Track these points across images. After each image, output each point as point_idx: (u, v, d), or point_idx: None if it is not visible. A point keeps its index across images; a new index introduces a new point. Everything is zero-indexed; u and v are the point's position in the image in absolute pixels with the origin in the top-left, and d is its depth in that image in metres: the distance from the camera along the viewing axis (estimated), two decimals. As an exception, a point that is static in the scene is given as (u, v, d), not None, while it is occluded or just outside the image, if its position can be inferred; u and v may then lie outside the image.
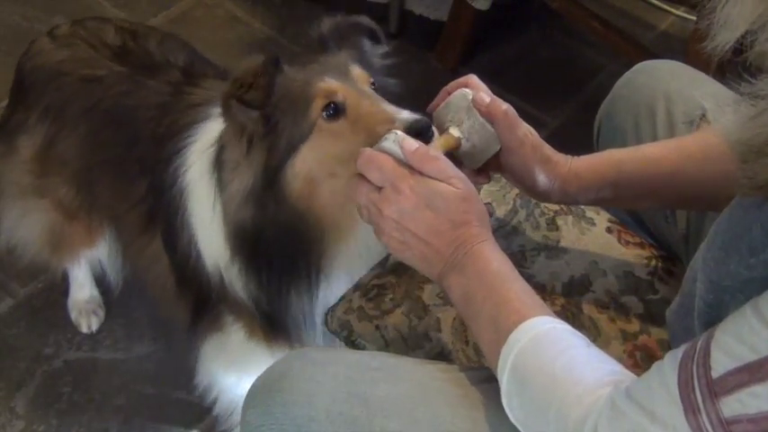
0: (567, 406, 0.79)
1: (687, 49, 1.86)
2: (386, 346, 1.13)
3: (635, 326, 1.12)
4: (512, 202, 1.24)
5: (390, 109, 1.09)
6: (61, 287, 1.79)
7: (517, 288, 0.90)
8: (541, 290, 1.14)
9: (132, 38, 1.45)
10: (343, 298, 1.19)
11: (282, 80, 1.14)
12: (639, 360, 1.09)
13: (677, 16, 2.46)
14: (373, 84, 1.17)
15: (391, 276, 1.18)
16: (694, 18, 2.16)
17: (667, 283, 1.16)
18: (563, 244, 1.19)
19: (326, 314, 1.20)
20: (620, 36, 2.09)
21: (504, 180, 1.27)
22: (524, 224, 1.21)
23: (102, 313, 1.77)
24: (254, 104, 1.11)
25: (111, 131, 1.40)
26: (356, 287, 1.19)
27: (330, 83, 1.12)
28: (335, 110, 1.11)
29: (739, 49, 0.73)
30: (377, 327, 1.14)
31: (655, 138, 1.19)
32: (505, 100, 1.04)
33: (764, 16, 0.69)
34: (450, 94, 1.08)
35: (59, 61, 1.44)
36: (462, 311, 0.94)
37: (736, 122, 0.72)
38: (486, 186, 1.27)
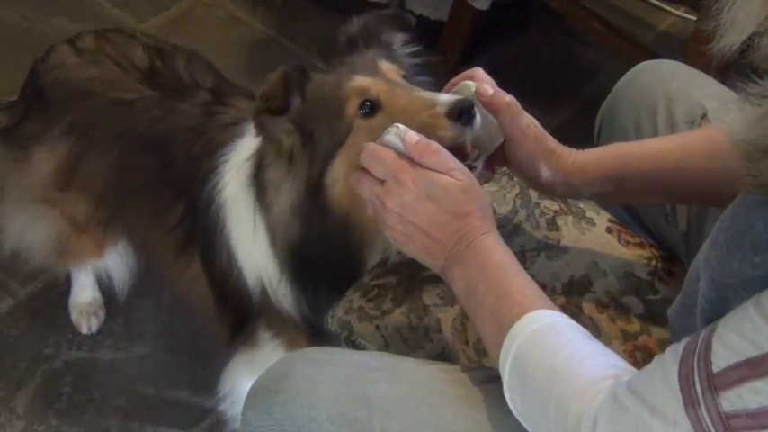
0: (567, 399, 0.79)
1: (687, 49, 1.86)
2: (386, 346, 1.13)
3: (635, 326, 1.12)
4: (512, 203, 1.24)
5: (427, 95, 1.08)
6: (62, 287, 1.79)
7: (519, 281, 0.90)
8: (541, 290, 1.14)
9: (160, 57, 1.45)
10: (343, 298, 1.19)
11: (312, 87, 1.12)
12: (640, 360, 1.09)
13: (677, 16, 2.46)
14: (404, 76, 1.15)
15: (391, 276, 1.18)
16: (694, 18, 2.16)
17: (667, 283, 1.16)
18: (563, 244, 1.19)
19: (327, 314, 1.20)
20: (620, 36, 2.09)
21: (504, 180, 1.27)
22: (524, 224, 1.21)
23: (102, 314, 1.77)
24: (283, 110, 1.11)
25: (144, 157, 1.40)
26: (356, 287, 1.19)
27: (361, 80, 1.10)
28: (371, 107, 1.09)
29: (744, 49, 0.73)
30: (377, 327, 1.14)
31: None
32: None
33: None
34: (454, 86, 1.08)
35: (87, 80, 1.43)
36: (465, 304, 0.94)
37: (742, 122, 0.72)
38: (486, 186, 1.27)
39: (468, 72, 1.09)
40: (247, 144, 1.26)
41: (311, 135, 1.12)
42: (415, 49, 1.25)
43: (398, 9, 2.33)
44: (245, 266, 1.29)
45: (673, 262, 1.19)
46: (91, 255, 1.59)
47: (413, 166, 0.94)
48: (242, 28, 2.37)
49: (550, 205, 1.23)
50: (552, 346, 0.83)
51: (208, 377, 1.68)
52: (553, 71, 2.32)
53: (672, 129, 1.18)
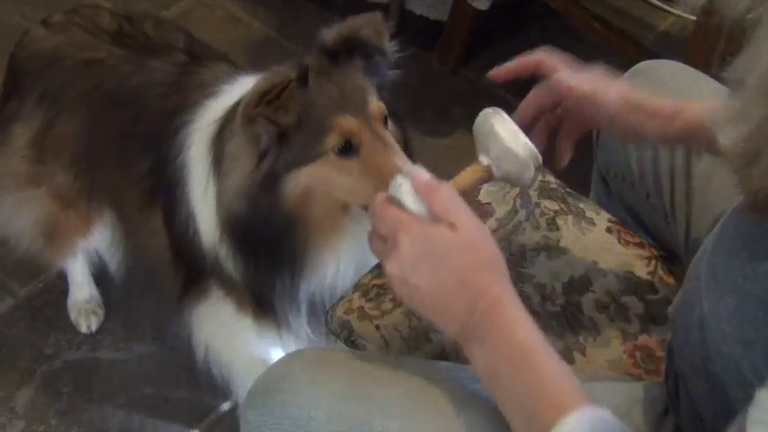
0: None
1: (687, 49, 1.86)
2: (386, 346, 1.13)
3: (635, 326, 1.12)
4: (512, 203, 1.24)
5: (401, 161, 1.09)
6: (61, 287, 1.79)
7: (550, 367, 0.79)
8: (541, 290, 1.14)
9: (128, 22, 1.46)
10: (342, 298, 1.20)
11: (304, 96, 1.13)
12: (639, 360, 1.09)
13: (677, 16, 2.45)
14: (385, 117, 1.17)
15: (391, 276, 1.18)
16: (694, 18, 2.16)
17: (667, 284, 1.16)
18: (563, 244, 1.19)
19: (326, 314, 1.20)
20: (620, 36, 2.09)
21: (504, 180, 1.27)
22: (524, 224, 1.21)
23: (101, 313, 1.77)
24: (282, 125, 1.12)
25: (113, 112, 1.41)
26: (356, 287, 1.19)
27: (349, 122, 1.12)
28: (349, 149, 1.12)
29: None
30: (377, 327, 1.14)
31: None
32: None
33: None
34: (512, 72, 1.03)
35: (55, 46, 1.44)
36: (486, 386, 0.84)
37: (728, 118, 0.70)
38: (486, 186, 1.27)
39: (535, 58, 1.03)
40: (219, 105, 1.28)
41: (286, 138, 1.13)
42: (396, 43, 1.24)
43: (397, 10, 2.33)
44: (201, 225, 1.30)
45: (672, 262, 1.19)
46: (79, 233, 1.58)
47: (411, 223, 0.84)
48: (242, 28, 2.37)
49: (550, 205, 1.23)
50: None
51: (208, 376, 1.69)
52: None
53: (672, 129, 1.18)
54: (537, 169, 0.92)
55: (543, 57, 1.02)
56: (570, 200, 1.25)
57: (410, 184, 0.85)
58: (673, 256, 1.20)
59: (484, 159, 0.93)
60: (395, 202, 0.86)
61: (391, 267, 0.84)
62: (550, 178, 1.28)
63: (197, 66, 1.39)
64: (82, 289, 1.76)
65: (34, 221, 1.55)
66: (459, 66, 2.29)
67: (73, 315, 1.76)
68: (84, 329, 1.75)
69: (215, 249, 1.29)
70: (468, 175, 0.93)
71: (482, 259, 0.83)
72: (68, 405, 1.64)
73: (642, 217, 1.26)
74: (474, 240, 0.83)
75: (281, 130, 1.13)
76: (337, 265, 1.24)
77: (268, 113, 1.10)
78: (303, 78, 1.13)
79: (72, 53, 1.43)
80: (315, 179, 1.14)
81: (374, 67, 1.21)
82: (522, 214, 1.22)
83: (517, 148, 0.91)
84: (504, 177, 0.94)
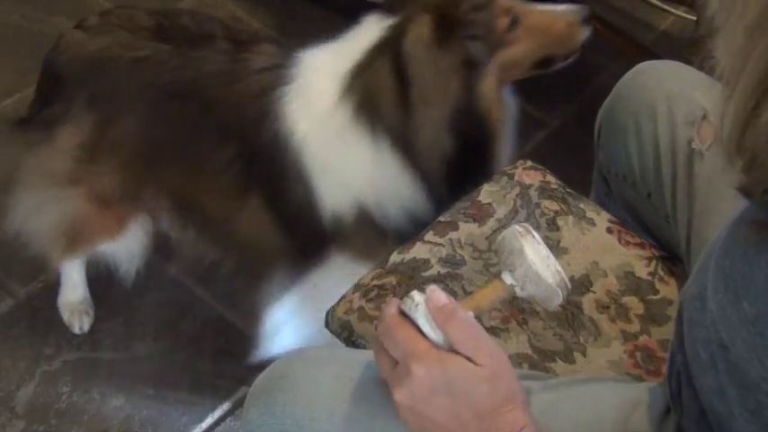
0: None
1: (687, 49, 1.86)
2: (386, 346, 1.12)
3: (635, 326, 1.12)
4: (512, 203, 1.24)
5: (550, 8, 1.36)
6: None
7: None
8: (542, 290, 1.14)
9: (165, 18, 1.48)
10: (343, 298, 1.19)
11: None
12: (640, 360, 1.09)
13: (677, 16, 2.45)
14: None
15: (391, 276, 1.18)
16: (694, 18, 2.16)
17: (668, 283, 1.16)
18: (563, 244, 1.19)
19: (326, 314, 1.20)
20: (620, 36, 2.09)
21: (504, 180, 1.27)
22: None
23: (92, 313, 1.77)
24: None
25: (173, 106, 1.42)
26: (356, 287, 1.19)
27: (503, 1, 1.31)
28: (513, 22, 1.31)
29: None
30: (377, 327, 1.14)
31: (656, 138, 1.19)
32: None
33: None
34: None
35: (99, 49, 1.45)
36: None
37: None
38: (486, 186, 1.27)
39: None
40: (305, 85, 1.37)
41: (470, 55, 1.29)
42: None
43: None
44: (326, 198, 1.38)
45: (672, 262, 1.19)
46: (108, 234, 1.59)
47: (427, 351, 0.78)
48: (242, 28, 2.37)
49: (550, 205, 1.23)
50: None
51: (208, 377, 1.69)
52: (553, 71, 2.31)
53: (672, 129, 1.18)
54: (566, 297, 0.87)
55: None
56: (570, 200, 1.25)
57: (425, 307, 0.79)
58: (673, 257, 1.20)
59: (508, 278, 0.86)
60: (407, 321, 0.80)
61: (401, 396, 0.79)
62: (551, 178, 1.28)
63: (245, 52, 1.42)
64: (77, 290, 1.76)
65: (59, 220, 1.56)
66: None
67: (66, 316, 1.75)
68: (77, 330, 1.74)
69: (339, 216, 1.38)
70: (488, 292, 0.87)
71: (504, 394, 0.79)
72: (68, 405, 1.64)
73: (643, 217, 1.26)
74: (494, 375, 0.78)
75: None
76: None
77: (471, 17, 1.29)
78: None
79: (118, 53, 1.43)
80: (497, 71, 1.31)
81: None
82: (522, 214, 1.22)
83: (546, 274, 0.85)
84: (527, 298, 0.88)
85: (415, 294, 0.81)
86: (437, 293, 0.80)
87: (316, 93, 1.36)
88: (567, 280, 0.86)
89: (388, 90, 1.32)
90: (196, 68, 1.40)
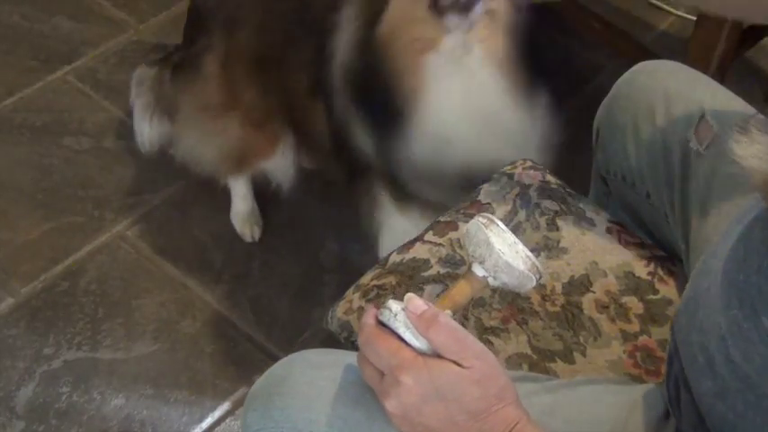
0: None
1: (687, 49, 1.86)
2: (386, 346, 1.12)
3: (635, 326, 1.12)
4: (512, 203, 1.24)
5: None
6: (61, 287, 1.79)
7: None
8: (541, 290, 1.14)
9: None
10: (343, 298, 1.19)
11: None
12: (639, 360, 1.09)
13: (677, 16, 2.45)
14: None
15: (391, 276, 1.18)
16: (694, 18, 2.16)
17: (667, 283, 1.16)
18: (563, 244, 1.19)
19: (327, 314, 1.20)
20: (620, 36, 2.09)
21: (504, 180, 1.27)
22: (524, 224, 1.21)
23: (261, 224, 1.89)
24: None
25: (280, 3, 1.49)
26: (356, 287, 1.19)
27: None
28: None
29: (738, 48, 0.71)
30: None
31: (654, 138, 1.19)
32: None
33: None
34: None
35: None
36: None
37: (759, 150, 0.68)
38: (485, 186, 1.27)
39: None
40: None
41: None
42: None
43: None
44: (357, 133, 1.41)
45: (672, 262, 1.19)
46: (264, 155, 1.68)
47: (415, 360, 0.78)
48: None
49: (550, 205, 1.23)
50: None
51: (208, 377, 1.69)
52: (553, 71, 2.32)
53: (671, 129, 1.18)
54: (539, 280, 0.86)
55: None
56: (570, 200, 1.25)
57: (405, 315, 0.79)
58: (673, 257, 1.20)
59: (479, 270, 0.85)
60: (388, 331, 0.80)
61: (392, 407, 0.79)
62: (550, 178, 1.28)
63: None
64: (246, 201, 1.87)
65: (220, 148, 1.68)
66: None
67: (238, 226, 1.88)
68: (248, 239, 1.87)
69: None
70: (463, 288, 0.86)
71: (495, 393, 0.79)
72: (68, 405, 1.64)
73: (642, 217, 1.26)
74: (483, 376, 0.79)
75: None
76: (438, 111, 1.31)
77: None
78: None
79: None
80: (394, 19, 1.27)
81: None
82: (522, 214, 1.22)
83: (517, 262, 0.84)
84: (502, 287, 0.87)
85: (392, 304, 0.80)
86: (415, 301, 0.80)
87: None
88: (538, 264, 0.85)
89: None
90: None
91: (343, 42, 1.33)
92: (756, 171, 0.68)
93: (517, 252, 0.84)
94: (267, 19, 1.52)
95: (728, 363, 0.74)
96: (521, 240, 0.85)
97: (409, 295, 0.81)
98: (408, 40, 1.28)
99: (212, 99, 1.63)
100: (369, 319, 0.81)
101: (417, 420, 0.79)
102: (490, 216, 0.86)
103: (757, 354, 0.70)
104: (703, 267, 0.86)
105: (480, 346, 0.80)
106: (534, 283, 0.86)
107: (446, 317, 0.80)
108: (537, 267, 0.85)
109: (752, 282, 0.70)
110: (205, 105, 1.65)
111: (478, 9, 1.20)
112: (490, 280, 0.85)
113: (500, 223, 0.86)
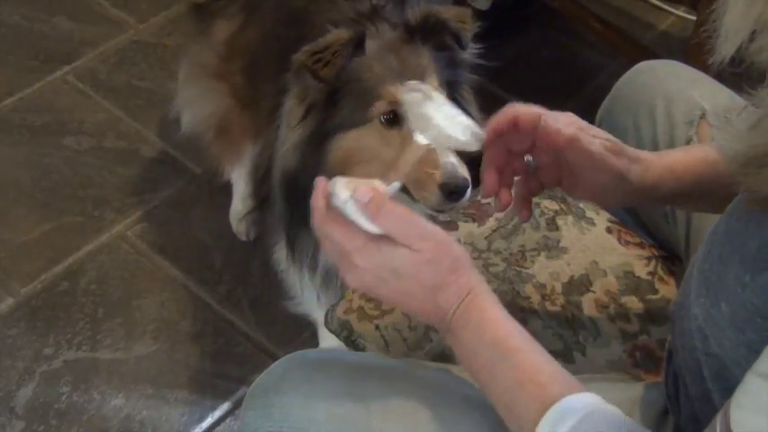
0: None
1: (687, 49, 1.86)
2: (386, 346, 1.13)
3: (635, 326, 1.12)
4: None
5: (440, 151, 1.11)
6: (61, 287, 1.79)
7: (532, 359, 0.81)
8: (541, 290, 1.14)
9: None
10: (343, 298, 1.20)
11: (359, 63, 1.17)
12: (639, 360, 1.09)
13: (677, 16, 2.45)
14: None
15: (391, 276, 1.18)
16: (694, 18, 2.16)
17: (667, 283, 1.16)
18: (563, 244, 1.19)
19: (326, 314, 1.20)
20: (620, 36, 2.09)
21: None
22: (524, 224, 1.21)
23: (258, 224, 1.84)
24: (325, 80, 1.17)
25: (284, 28, 1.46)
26: (356, 287, 1.19)
27: (399, 91, 1.14)
28: (394, 119, 1.16)
29: (734, 59, 0.72)
30: (377, 327, 1.14)
31: (655, 138, 1.19)
32: (505, 100, 0.99)
33: (760, 21, 0.68)
34: (495, 133, 0.95)
35: None
36: (474, 375, 0.85)
37: (735, 134, 0.71)
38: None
39: (510, 114, 0.95)
40: None
41: (337, 101, 1.19)
42: (476, 51, 1.30)
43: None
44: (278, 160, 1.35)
45: (672, 262, 1.19)
46: (248, 136, 1.64)
47: (364, 243, 0.81)
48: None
49: (550, 205, 1.23)
50: None
51: (208, 377, 1.69)
52: (553, 71, 2.31)
53: (671, 129, 1.18)
54: (482, 138, 0.92)
55: (517, 110, 0.96)
56: (570, 200, 1.25)
57: (354, 202, 0.81)
58: (673, 256, 1.20)
59: (422, 139, 0.91)
60: (339, 215, 0.82)
61: (351, 282, 0.84)
62: (550, 178, 1.28)
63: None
64: (245, 200, 1.82)
65: (211, 112, 1.67)
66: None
67: (234, 224, 1.86)
68: (244, 238, 1.86)
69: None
70: (410, 158, 0.91)
71: (447, 267, 0.83)
72: (68, 405, 1.64)
73: (642, 217, 1.26)
74: (434, 256, 0.82)
75: (329, 88, 1.17)
76: None
77: (309, 64, 1.15)
78: (359, 44, 1.17)
79: None
80: (358, 144, 1.19)
81: (449, 60, 1.25)
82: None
83: (457, 132, 0.91)
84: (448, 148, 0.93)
85: (340, 190, 0.82)
86: (360, 190, 0.81)
87: None
88: (478, 129, 0.91)
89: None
90: (323, 6, 1.39)
91: (284, 142, 1.28)
92: (730, 151, 0.70)
93: (457, 124, 0.91)
94: (272, 30, 1.50)
95: (707, 356, 0.75)
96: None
97: (355, 183, 0.82)
98: (362, 171, 1.18)
99: (209, 62, 1.64)
100: (318, 201, 0.84)
101: (377, 293, 0.85)
102: (425, 89, 0.95)
103: (726, 339, 0.72)
104: (691, 269, 0.87)
105: (430, 227, 0.83)
106: (480, 146, 0.92)
107: (393, 203, 0.82)
108: (478, 132, 0.92)
109: (714, 270, 0.73)
110: (203, 64, 1.66)
111: (466, 198, 1.14)
112: (436, 146, 0.92)
113: (436, 95, 0.95)
